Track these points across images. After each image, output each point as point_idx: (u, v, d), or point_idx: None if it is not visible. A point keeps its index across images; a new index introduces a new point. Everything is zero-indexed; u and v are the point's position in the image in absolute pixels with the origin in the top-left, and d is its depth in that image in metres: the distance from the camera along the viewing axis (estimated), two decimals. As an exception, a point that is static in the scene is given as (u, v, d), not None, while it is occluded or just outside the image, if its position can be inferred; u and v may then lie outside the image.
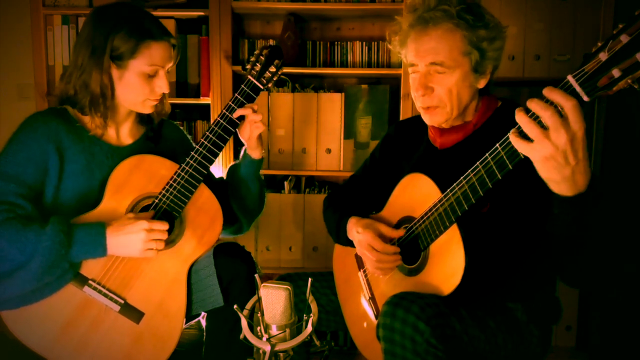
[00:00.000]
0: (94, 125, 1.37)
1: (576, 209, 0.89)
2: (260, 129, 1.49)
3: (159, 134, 1.54)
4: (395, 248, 1.23)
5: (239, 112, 1.44)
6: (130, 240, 1.28)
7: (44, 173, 1.32)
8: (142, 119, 1.51)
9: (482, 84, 1.22)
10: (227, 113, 1.42)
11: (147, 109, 1.41)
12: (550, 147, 0.82)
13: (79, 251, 1.26)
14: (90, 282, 1.30)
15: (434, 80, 1.18)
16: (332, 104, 2.12)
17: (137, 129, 1.50)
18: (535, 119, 0.84)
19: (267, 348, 0.95)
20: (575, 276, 1.04)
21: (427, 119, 1.25)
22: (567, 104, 0.81)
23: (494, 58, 1.20)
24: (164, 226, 1.31)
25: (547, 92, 0.83)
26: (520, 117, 0.85)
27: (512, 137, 0.88)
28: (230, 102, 1.42)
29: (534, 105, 0.83)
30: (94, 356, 1.30)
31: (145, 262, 1.34)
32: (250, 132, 1.49)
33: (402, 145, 1.43)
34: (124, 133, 1.46)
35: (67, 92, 1.37)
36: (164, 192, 1.37)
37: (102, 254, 1.28)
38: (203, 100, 2.11)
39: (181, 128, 1.63)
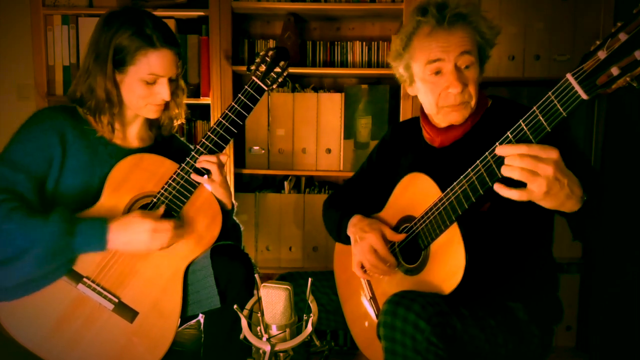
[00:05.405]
0: (100, 127, 1.39)
1: (589, 209, 0.95)
2: (215, 188, 1.41)
3: (170, 142, 1.54)
4: (393, 260, 1.24)
5: (201, 163, 1.38)
6: (134, 240, 1.28)
7: (49, 164, 1.33)
8: (152, 124, 1.52)
9: (480, 80, 1.25)
10: (229, 114, 1.41)
11: (150, 114, 1.42)
12: (544, 182, 0.87)
13: (81, 242, 1.26)
14: (84, 279, 1.30)
15: (464, 76, 1.19)
16: (332, 104, 2.12)
17: (148, 134, 1.51)
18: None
19: (267, 348, 0.95)
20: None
21: (451, 117, 1.23)
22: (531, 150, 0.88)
23: (489, 57, 1.27)
24: (170, 225, 1.31)
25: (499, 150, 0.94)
26: (509, 172, 0.90)
27: (503, 191, 0.91)
28: (233, 103, 1.41)
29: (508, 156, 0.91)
30: (85, 355, 1.29)
31: (141, 261, 1.34)
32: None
33: (398, 147, 1.44)
34: (131, 135, 1.47)
35: (74, 95, 1.39)
36: (162, 191, 1.37)
37: (103, 248, 1.28)
38: (203, 100, 2.11)
39: (190, 146, 1.64)
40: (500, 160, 0.97)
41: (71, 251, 1.26)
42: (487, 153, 1.00)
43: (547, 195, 0.89)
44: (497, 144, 0.97)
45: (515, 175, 0.89)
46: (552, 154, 0.87)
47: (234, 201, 1.52)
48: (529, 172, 0.87)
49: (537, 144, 0.89)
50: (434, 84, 1.22)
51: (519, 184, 0.90)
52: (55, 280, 1.28)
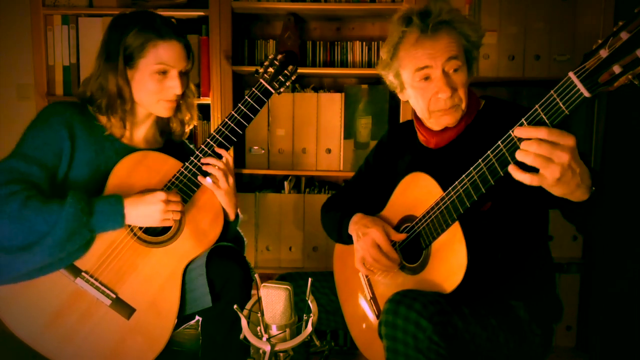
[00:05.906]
0: (109, 125, 1.40)
1: (593, 202, 0.94)
2: (220, 195, 1.43)
3: (179, 146, 1.55)
4: (396, 256, 1.23)
5: (206, 160, 1.40)
6: (149, 211, 1.31)
7: (59, 158, 1.34)
8: (163, 130, 1.52)
9: (469, 82, 1.26)
10: (235, 115, 1.41)
11: (162, 111, 1.42)
12: (558, 169, 0.86)
13: (99, 220, 1.28)
14: (83, 274, 1.30)
15: (453, 80, 1.21)
16: (332, 104, 2.12)
17: (155, 139, 1.51)
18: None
19: (267, 348, 0.95)
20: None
21: (443, 120, 1.24)
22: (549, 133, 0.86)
23: (476, 58, 1.28)
24: (178, 198, 1.35)
25: (519, 132, 0.91)
26: (523, 156, 0.88)
27: (517, 174, 0.89)
28: (240, 105, 1.41)
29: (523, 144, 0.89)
30: (80, 350, 1.29)
31: (141, 258, 1.34)
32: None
33: (396, 149, 1.45)
34: (138, 137, 1.47)
35: (84, 94, 1.40)
36: (165, 189, 1.37)
37: (121, 224, 1.30)
38: (203, 100, 2.11)
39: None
40: (502, 160, 0.97)
41: (89, 231, 1.28)
42: (489, 152, 1.00)
43: (558, 182, 0.88)
44: (499, 142, 0.97)
45: (528, 160, 0.88)
46: (570, 140, 0.86)
47: (239, 212, 1.51)
48: (543, 158, 0.86)
49: (557, 129, 0.87)
50: (423, 90, 1.23)
51: (532, 169, 0.89)
52: (65, 266, 1.29)
